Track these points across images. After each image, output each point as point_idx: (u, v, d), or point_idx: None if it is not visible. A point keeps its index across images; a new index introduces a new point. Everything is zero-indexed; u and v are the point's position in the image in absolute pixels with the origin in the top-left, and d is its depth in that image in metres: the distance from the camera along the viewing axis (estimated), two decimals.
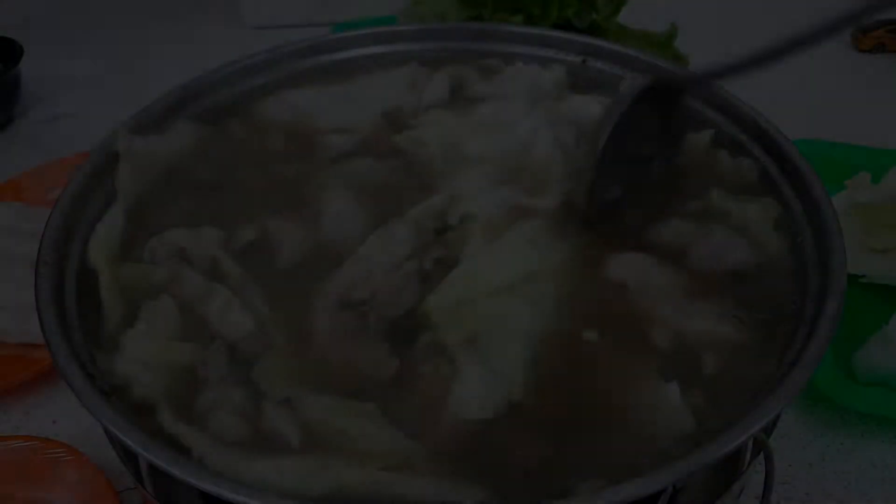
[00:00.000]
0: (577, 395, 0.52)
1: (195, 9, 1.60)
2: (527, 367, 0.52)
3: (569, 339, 0.55)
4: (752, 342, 0.54)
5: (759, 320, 0.55)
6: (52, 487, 0.66)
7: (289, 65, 0.83)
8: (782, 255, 0.60)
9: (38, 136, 1.22)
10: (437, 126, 0.73)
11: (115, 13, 1.61)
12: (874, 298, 0.82)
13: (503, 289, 0.56)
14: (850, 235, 0.85)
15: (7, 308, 0.81)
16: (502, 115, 0.74)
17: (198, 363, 0.53)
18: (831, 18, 0.50)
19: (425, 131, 0.73)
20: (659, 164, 0.67)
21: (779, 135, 0.66)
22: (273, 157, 0.74)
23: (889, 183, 0.86)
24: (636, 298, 0.57)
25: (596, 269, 0.59)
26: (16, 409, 0.78)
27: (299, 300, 0.58)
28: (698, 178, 0.68)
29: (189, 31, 1.52)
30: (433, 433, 0.49)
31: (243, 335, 0.55)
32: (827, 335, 0.49)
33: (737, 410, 0.46)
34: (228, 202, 0.68)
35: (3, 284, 0.84)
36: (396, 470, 0.46)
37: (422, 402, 0.51)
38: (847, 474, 0.69)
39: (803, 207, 0.62)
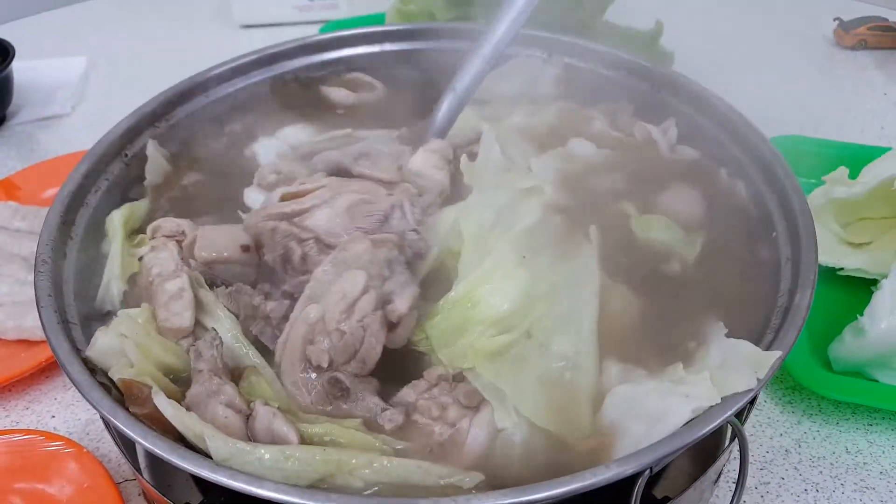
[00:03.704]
0: None
1: (187, 7, 1.60)
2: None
3: None
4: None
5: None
6: (53, 479, 0.68)
7: (280, 66, 0.84)
8: None
9: (31, 137, 1.23)
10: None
11: (105, 13, 1.62)
12: (850, 291, 0.84)
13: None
14: (828, 229, 0.88)
15: (4, 305, 0.83)
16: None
17: (192, 354, 0.54)
18: None
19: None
20: None
21: (750, 129, 0.68)
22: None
23: (866, 178, 0.88)
24: None
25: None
26: (15, 405, 0.79)
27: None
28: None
29: (180, 30, 1.53)
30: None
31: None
32: (798, 324, 0.52)
33: None
34: (231, 202, 0.69)
35: None
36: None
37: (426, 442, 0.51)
38: (822, 459, 0.72)
39: (777, 201, 0.63)
